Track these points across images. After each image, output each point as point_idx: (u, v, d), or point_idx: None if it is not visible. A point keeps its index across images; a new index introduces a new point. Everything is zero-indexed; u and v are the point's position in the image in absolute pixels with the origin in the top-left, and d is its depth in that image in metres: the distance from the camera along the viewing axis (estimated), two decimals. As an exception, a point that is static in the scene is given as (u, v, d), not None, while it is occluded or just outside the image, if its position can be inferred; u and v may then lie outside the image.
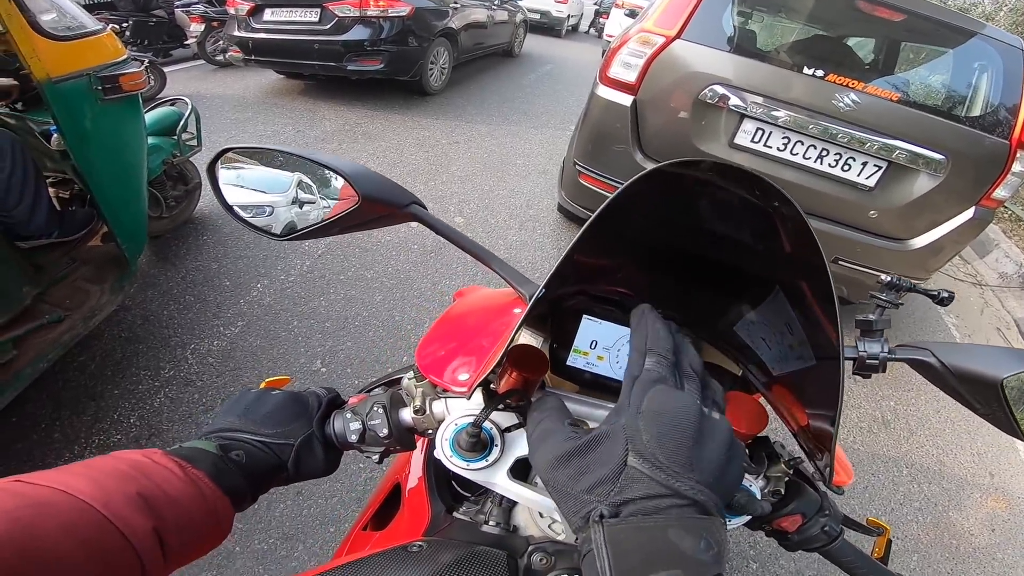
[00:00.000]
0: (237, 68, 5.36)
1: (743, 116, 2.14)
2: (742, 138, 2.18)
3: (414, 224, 2.90)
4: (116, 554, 0.30)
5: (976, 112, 2.11)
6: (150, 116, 2.30)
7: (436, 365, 0.53)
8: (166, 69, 4.81)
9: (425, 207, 0.58)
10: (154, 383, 1.75)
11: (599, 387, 0.59)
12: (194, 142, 2.53)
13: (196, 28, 5.46)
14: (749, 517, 0.50)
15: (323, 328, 2.10)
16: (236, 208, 0.57)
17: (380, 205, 0.54)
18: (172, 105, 2.50)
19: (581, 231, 0.40)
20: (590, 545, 0.26)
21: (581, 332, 0.57)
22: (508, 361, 0.46)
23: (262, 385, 0.53)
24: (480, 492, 0.58)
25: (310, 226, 0.54)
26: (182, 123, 2.37)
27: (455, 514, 0.56)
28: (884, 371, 0.55)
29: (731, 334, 0.55)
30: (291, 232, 0.56)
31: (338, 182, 0.55)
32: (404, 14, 4.34)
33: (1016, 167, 2.07)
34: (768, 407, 0.53)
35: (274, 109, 4.44)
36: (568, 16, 12.39)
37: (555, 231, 3.19)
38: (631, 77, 2.22)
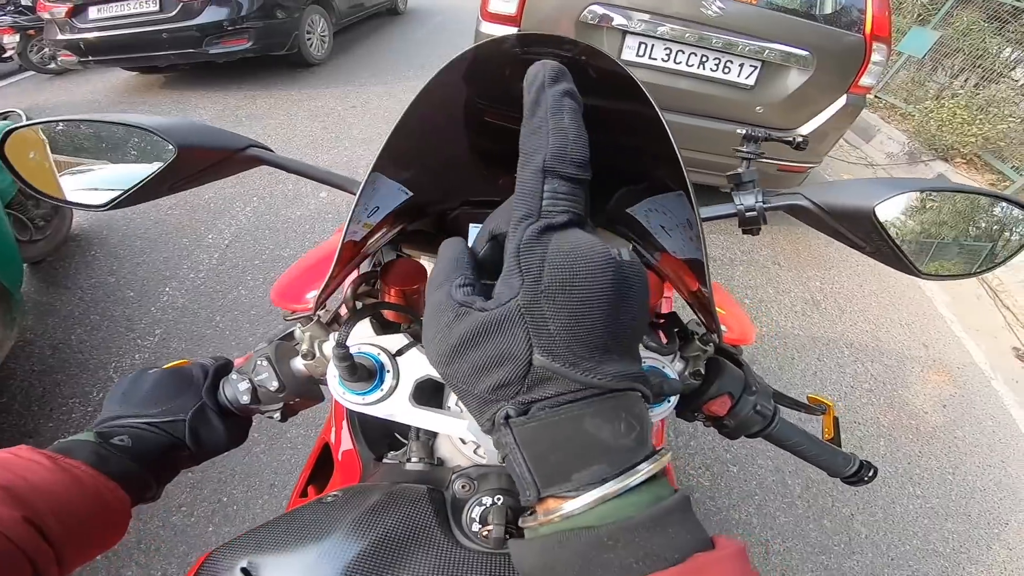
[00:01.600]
0: (76, 71, 4.83)
1: (625, 33, 2.27)
2: (627, 54, 2.31)
3: (324, 195, 2.85)
4: None
5: (828, 11, 2.37)
6: (-19, 135, 2.08)
7: (288, 294, 0.54)
8: (-9, 87, 4.28)
9: (269, 149, 0.57)
10: (87, 408, 1.71)
11: None
12: (43, 154, 2.31)
13: (10, 40, 4.89)
14: (670, 403, 0.49)
15: (249, 317, 2.08)
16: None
17: (204, 151, 0.52)
18: (4, 119, 2.30)
19: (391, 131, 0.37)
20: (504, 450, 0.24)
21: (471, 242, 0.58)
22: (384, 278, 0.46)
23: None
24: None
25: (132, 187, 0.50)
26: (18, 137, 2.16)
27: (384, 460, 0.56)
28: (765, 222, 0.56)
29: (621, 215, 0.54)
30: (112, 201, 0.52)
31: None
32: None
33: (875, 56, 2.37)
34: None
35: (135, 108, 4.08)
36: (451, -38, 11.98)
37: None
38: (511, 9, 2.28)
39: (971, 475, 2.00)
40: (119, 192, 0.51)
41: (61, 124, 0.54)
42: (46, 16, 4.12)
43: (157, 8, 3.92)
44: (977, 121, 4.02)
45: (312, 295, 0.49)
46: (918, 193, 0.52)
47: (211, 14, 3.96)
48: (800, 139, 0.63)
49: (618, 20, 2.23)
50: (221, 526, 1.43)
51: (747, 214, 0.56)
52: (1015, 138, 3.97)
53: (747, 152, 0.59)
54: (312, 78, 4.73)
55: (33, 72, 5.07)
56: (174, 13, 3.91)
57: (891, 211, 0.50)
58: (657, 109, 0.36)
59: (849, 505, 1.78)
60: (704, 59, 2.32)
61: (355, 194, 0.53)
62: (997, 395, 2.40)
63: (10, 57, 4.99)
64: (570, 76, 0.25)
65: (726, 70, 2.34)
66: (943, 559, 1.71)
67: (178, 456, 0.45)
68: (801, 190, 0.55)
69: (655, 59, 2.32)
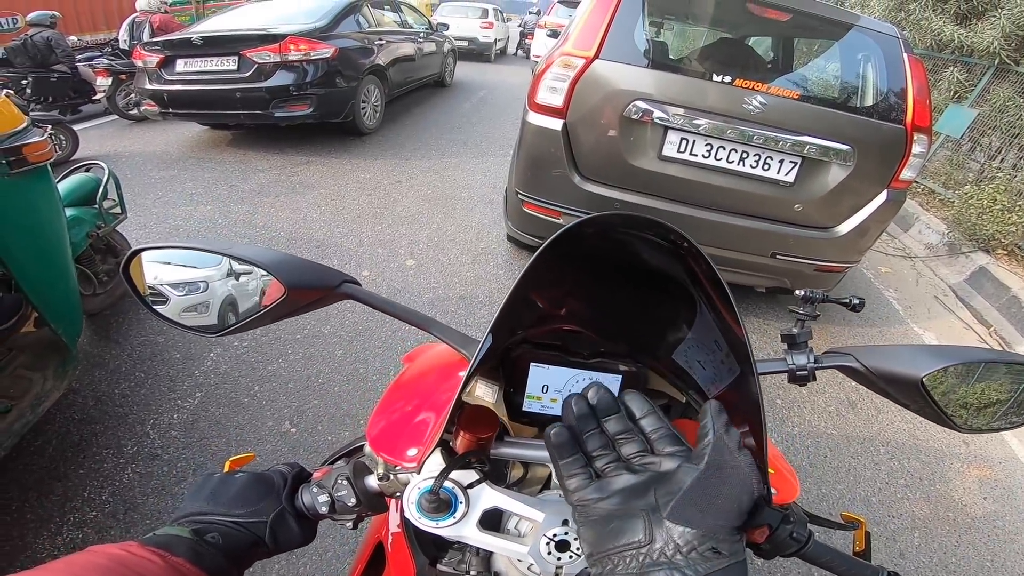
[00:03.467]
0: (155, 122, 5.28)
1: (667, 128, 2.36)
2: (669, 149, 2.40)
3: (366, 273, 2.92)
4: None
5: (869, 102, 2.42)
6: (64, 185, 2.26)
7: (387, 441, 0.57)
8: (77, 127, 4.71)
9: (358, 283, 0.61)
10: (119, 460, 1.75)
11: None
12: (117, 209, 2.48)
13: (103, 82, 5.34)
14: None
15: (286, 389, 2.12)
16: (163, 291, 0.59)
17: (309, 291, 0.56)
18: (87, 171, 2.44)
19: (507, 296, 0.44)
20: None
21: (531, 379, 0.62)
22: (459, 424, 0.51)
23: (227, 466, 0.56)
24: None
25: (242, 320, 0.57)
26: (101, 190, 2.32)
27: (439, 566, 0.59)
28: (815, 379, 0.59)
29: (671, 362, 0.58)
30: (223, 328, 0.58)
31: None
32: (328, 56, 4.45)
33: (916, 148, 2.37)
34: None
35: (202, 163, 4.41)
36: (495, 40, 13.03)
37: (508, 262, 3.30)
38: (558, 101, 2.40)
39: (1011, 562, 1.91)
40: (232, 322, 0.57)
41: (182, 250, 0.59)
42: (139, 64, 4.52)
43: (235, 68, 4.31)
44: (1018, 208, 3.93)
45: (414, 453, 0.52)
46: (967, 364, 0.54)
47: (280, 78, 4.30)
48: (856, 301, 0.66)
49: (659, 115, 2.32)
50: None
51: (798, 372, 0.58)
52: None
53: (803, 313, 0.61)
54: (361, 147, 5.03)
55: (116, 116, 5.54)
56: (249, 74, 4.28)
57: (939, 379, 0.53)
58: (729, 292, 0.42)
59: None
60: (744, 155, 2.38)
61: (432, 333, 0.61)
62: None
63: (99, 99, 5.45)
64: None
65: (766, 167, 2.39)
66: None
67: (257, 551, 0.49)
68: (852, 351, 0.58)
69: (696, 155, 2.39)
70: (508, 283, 3.04)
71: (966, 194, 4.40)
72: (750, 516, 0.35)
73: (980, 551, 1.93)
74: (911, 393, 0.53)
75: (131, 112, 5.45)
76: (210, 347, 2.29)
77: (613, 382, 0.62)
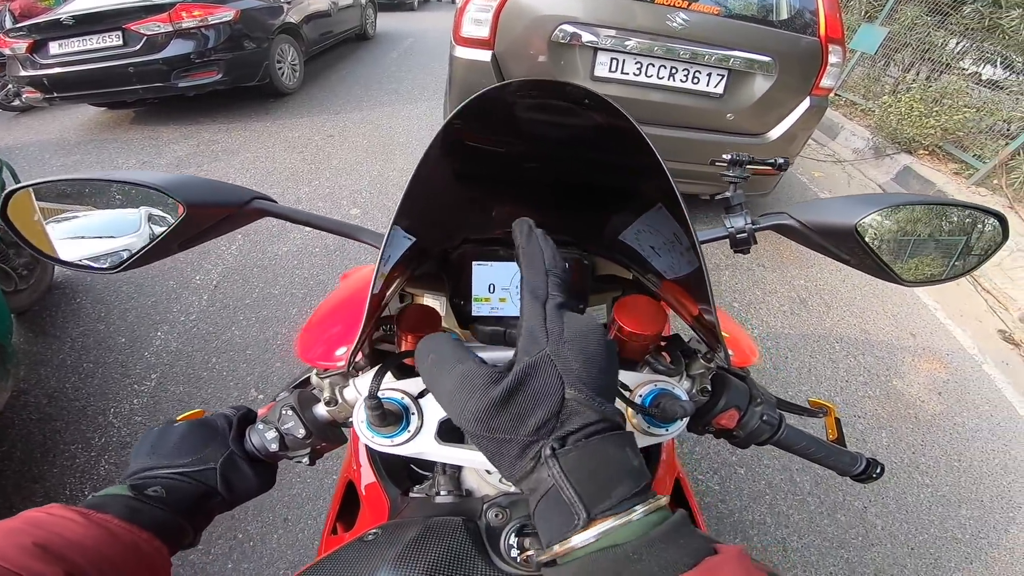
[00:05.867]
0: (42, 109, 4.79)
1: (596, 50, 2.39)
2: (600, 70, 2.42)
3: (307, 228, 2.85)
4: None
5: (785, 16, 2.52)
6: (-48, 184, 2.06)
7: (316, 349, 0.56)
8: (-45, 126, 4.22)
9: (272, 199, 0.57)
10: (90, 453, 1.72)
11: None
12: (19, 200, 2.29)
13: None
14: (682, 421, 0.50)
15: (246, 356, 2.09)
16: (86, 264, 0.53)
17: (212, 209, 0.52)
18: None
19: (406, 187, 0.41)
20: (545, 485, 0.28)
21: (475, 280, 0.59)
22: (399, 325, 0.49)
23: (177, 420, 0.52)
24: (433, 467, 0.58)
25: (142, 248, 0.50)
26: (-5, 183, 2.15)
27: (411, 494, 0.57)
28: (755, 242, 0.60)
29: (618, 243, 0.57)
30: (122, 263, 0.51)
31: None
32: (229, 19, 4.19)
33: (832, 59, 2.52)
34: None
35: (106, 145, 4.07)
36: (416, -14, 12.32)
37: (456, 198, 3.29)
38: (484, 33, 2.37)
39: (977, 460, 2.05)
40: (128, 254, 0.51)
41: (62, 184, 0.53)
42: (7, 52, 4.13)
43: (121, 43, 3.97)
44: (934, 113, 4.24)
45: (342, 351, 0.51)
46: (895, 208, 0.56)
47: (176, 47, 4.01)
48: (781, 161, 0.69)
49: (587, 37, 2.34)
50: (240, 563, 1.45)
51: (738, 236, 0.60)
52: (973, 127, 4.20)
53: (733, 176, 0.63)
54: (286, 108, 4.79)
55: None
56: (138, 47, 3.96)
57: (872, 226, 0.54)
58: (649, 143, 0.42)
59: (860, 498, 1.82)
60: (674, 71, 2.44)
61: (362, 240, 0.58)
62: (989, 378, 2.50)
63: None
64: (535, 227, 0.37)
65: (695, 80, 2.47)
66: (964, 545, 1.74)
67: (212, 503, 0.47)
68: (787, 210, 0.58)
69: (627, 73, 2.44)
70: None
71: (885, 103, 4.70)
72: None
73: (946, 451, 2.06)
74: (847, 243, 0.53)
75: (13, 103, 4.94)
76: (155, 326, 2.22)
77: None
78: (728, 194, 0.62)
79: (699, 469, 1.82)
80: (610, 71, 2.43)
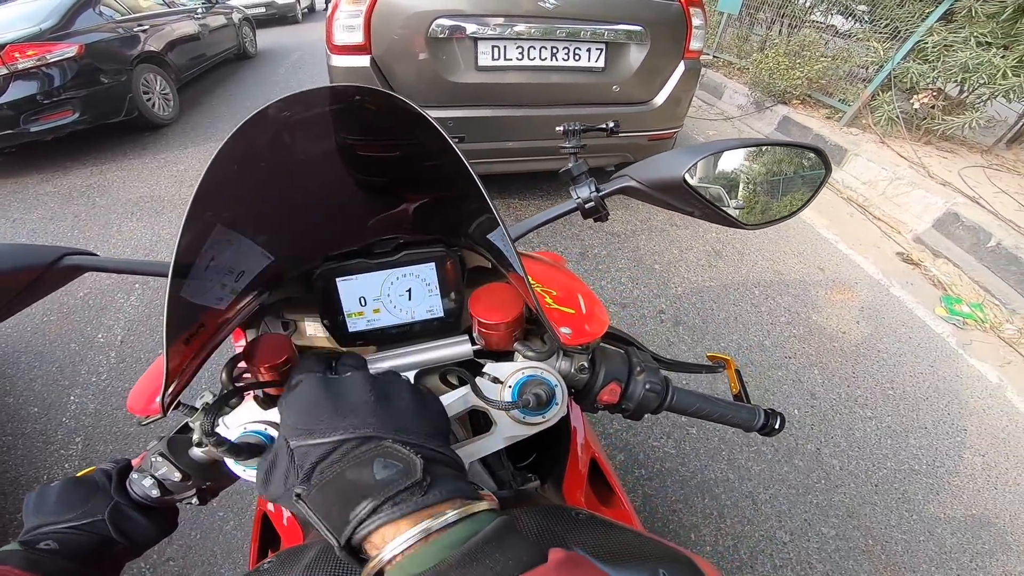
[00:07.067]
0: None
1: (476, 40, 2.38)
2: (484, 59, 2.43)
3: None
4: None
5: None
6: None
7: (142, 400, 0.54)
8: None
9: (87, 252, 0.55)
10: None
11: (400, 337, 0.60)
12: None
13: None
14: (558, 406, 0.50)
15: None
16: None
17: (14, 275, 0.49)
18: None
19: (186, 209, 0.38)
20: (311, 523, 0.31)
21: (343, 296, 0.57)
22: (249, 358, 0.48)
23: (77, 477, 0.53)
24: None
25: None
26: None
27: None
28: (606, 209, 0.60)
29: (487, 241, 0.56)
30: None
31: None
32: (72, 54, 3.83)
33: (695, 21, 2.66)
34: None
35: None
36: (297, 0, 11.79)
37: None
38: (358, 38, 2.30)
39: (908, 386, 2.12)
40: None
41: None
42: None
43: None
44: (797, 65, 4.65)
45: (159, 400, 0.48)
46: (719, 154, 0.57)
47: (18, 90, 3.64)
48: (611, 124, 0.69)
49: (466, 29, 2.33)
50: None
51: (586, 205, 0.59)
52: (833, 75, 4.65)
53: (571, 147, 0.63)
54: (165, 140, 4.44)
55: None
56: (-27, 92, 3.50)
57: (701, 176, 0.55)
58: (440, 129, 0.41)
59: (811, 440, 1.86)
60: (555, 50, 2.50)
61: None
62: (899, 300, 2.65)
63: None
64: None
65: (576, 57, 2.54)
66: (924, 476, 1.78)
67: (115, 551, 0.48)
68: (628, 171, 0.59)
69: (511, 59, 2.46)
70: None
71: (756, 61, 5.07)
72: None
73: (878, 380, 2.11)
74: (683, 195, 0.53)
75: None
76: (67, 391, 2.06)
77: (428, 271, 0.58)
78: (570, 165, 0.62)
79: (652, 435, 1.84)
80: (493, 59, 2.44)
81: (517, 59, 2.47)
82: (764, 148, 0.64)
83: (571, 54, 2.53)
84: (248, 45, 7.38)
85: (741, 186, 0.61)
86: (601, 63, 2.58)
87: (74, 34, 3.99)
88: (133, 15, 4.74)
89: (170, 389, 0.40)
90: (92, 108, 3.95)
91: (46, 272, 0.51)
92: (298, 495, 0.30)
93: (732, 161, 0.61)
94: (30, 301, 0.53)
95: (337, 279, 0.56)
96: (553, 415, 0.50)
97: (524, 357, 0.53)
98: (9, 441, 1.87)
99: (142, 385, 0.56)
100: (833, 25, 4.97)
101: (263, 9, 10.80)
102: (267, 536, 0.73)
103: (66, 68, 3.79)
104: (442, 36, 2.33)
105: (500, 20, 2.36)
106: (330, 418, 0.33)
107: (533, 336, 0.57)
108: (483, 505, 0.28)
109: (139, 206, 3.37)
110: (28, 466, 1.79)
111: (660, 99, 2.80)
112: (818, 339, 2.34)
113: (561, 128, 0.63)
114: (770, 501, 1.68)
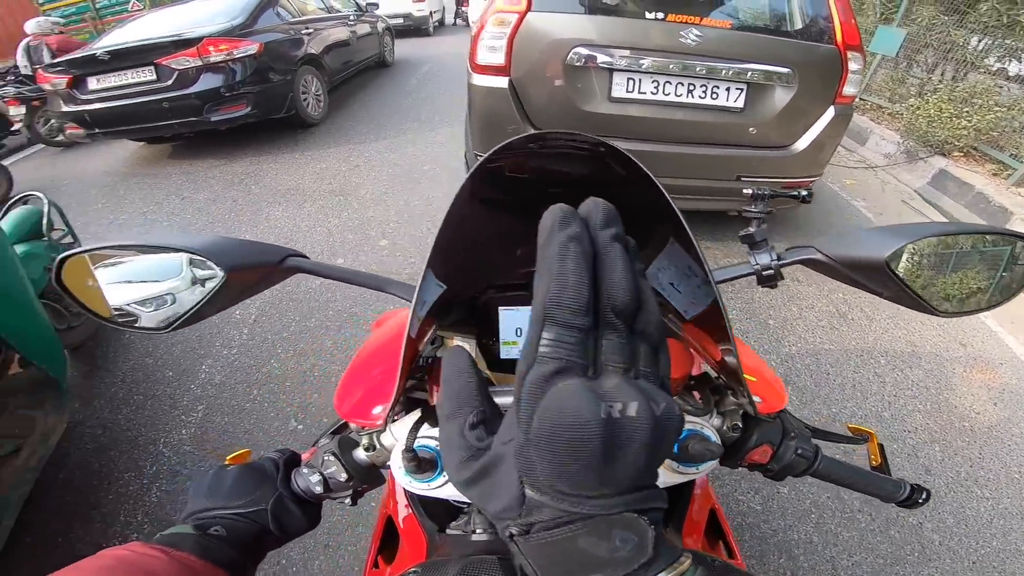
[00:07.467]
0: (85, 144, 5.07)
1: (612, 71, 2.42)
2: (618, 91, 2.45)
3: (340, 260, 2.92)
4: None
5: (799, 25, 2.51)
6: (6, 223, 2.21)
7: (353, 407, 0.57)
8: (6, 162, 4.51)
9: (304, 255, 0.59)
10: (142, 481, 1.83)
11: None
12: (68, 238, 2.45)
13: (16, 111, 5.09)
14: (712, 463, 0.50)
15: (285, 388, 2.17)
16: (131, 310, 0.56)
17: (249, 272, 0.54)
18: (25, 203, 2.38)
19: (438, 232, 0.42)
20: (519, 557, 0.27)
21: (503, 324, 0.61)
22: (432, 379, 0.51)
23: (227, 461, 0.57)
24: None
25: (186, 312, 0.54)
26: (45, 222, 2.29)
27: (448, 531, 0.58)
28: (782, 278, 0.59)
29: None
30: (169, 326, 0.55)
31: None
32: (253, 52, 4.34)
33: (852, 66, 2.49)
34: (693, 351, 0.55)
35: (147, 180, 4.29)
36: (431, 12, 12.72)
37: (480, 225, 3.33)
38: (499, 59, 2.42)
39: None
40: (174, 316, 0.55)
41: (110, 248, 0.57)
42: (47, 87, 4.33)
43: (154, 78, 4.15)
44: (964, 113, 4.12)
45: (379, 410, 0.53)
46: (926, 238, 0.54)
47: (206, 82, 4.17)
48: (804, 193, 0.67)
49: (602, 59, 2.37)
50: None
51: (764, 272, 0.58)
52: (1007, 126, 4.06)
53: (756, 211, 0.62)
54: (313, 138, 4.94)
55: (42, 145, 5.29)
56: (171, 82, 4.14)
57: (903, 259, 0.52)
58: (659, 184, 0.42)
59: (916, 515, 1.75)
60: (691, 87, 2.45)
61: (392, 293, 0.59)
62: None
63: (18, 130, 5.20)
64: (580, 220, 0.24)
65: (714, 96, 2.47)
66: None
67: (266, 540, 0.51)
68: (814, 243, 0.57)
69: (644, 93, 2.46)
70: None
71: (913, 106, 4.57)
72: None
73: (1005, 462, 1.96)
74: (878, 277, 0.52)
75: (56, 139, 5.22)
76: (200, 360, 2.32)
77: None
78: (752, 230, 0.61)
79: (739, 489, 1.77)
80: (627, 91, 2.46)
81: (651, 93, 2.46)
82: (973, 235, 0.59)
83: (708, 92, 2.47)
84: (387, 54, 8.02)
85: (939, 271, 0.57)
86: (740, 103, 2.49)
87: (256, 32, 4.49)
88: (301, 18, 5.26)
89: (396, 408, 0.45)
90: (262, 104, 4.48)
91: (274, 269, 0.57)
92: (511, 535, 0.27)
93: (931, 243, 0.56)
94: (256, 292, 0.59)
95: (500, 308, 0.60)
96: (705, 468, 0.51)
97: (683, 411, 0.53)
98: (140, 401, 2.14)
99: (347, 390, 0.61)
100: (1005, 69, 4.36)
101: (401, 20, 11.64)
102: (386, 538, 0.76)
103: (246, 64, 4.31)
104: (579, 64, 2.38)
105: (639, 53, 2.36)
106: (592, 485, 0.24)
107: (686, 391, 0.58)
108: (686, 564, 0.27)
109: (285, 197, 3.81)
110: (150, 427, 2.01)
111: (801, 144, 2.63)
112: (946, 417, 2.13)
113: (749, 191, 0.63)
114: (852, 568, 1.58)
